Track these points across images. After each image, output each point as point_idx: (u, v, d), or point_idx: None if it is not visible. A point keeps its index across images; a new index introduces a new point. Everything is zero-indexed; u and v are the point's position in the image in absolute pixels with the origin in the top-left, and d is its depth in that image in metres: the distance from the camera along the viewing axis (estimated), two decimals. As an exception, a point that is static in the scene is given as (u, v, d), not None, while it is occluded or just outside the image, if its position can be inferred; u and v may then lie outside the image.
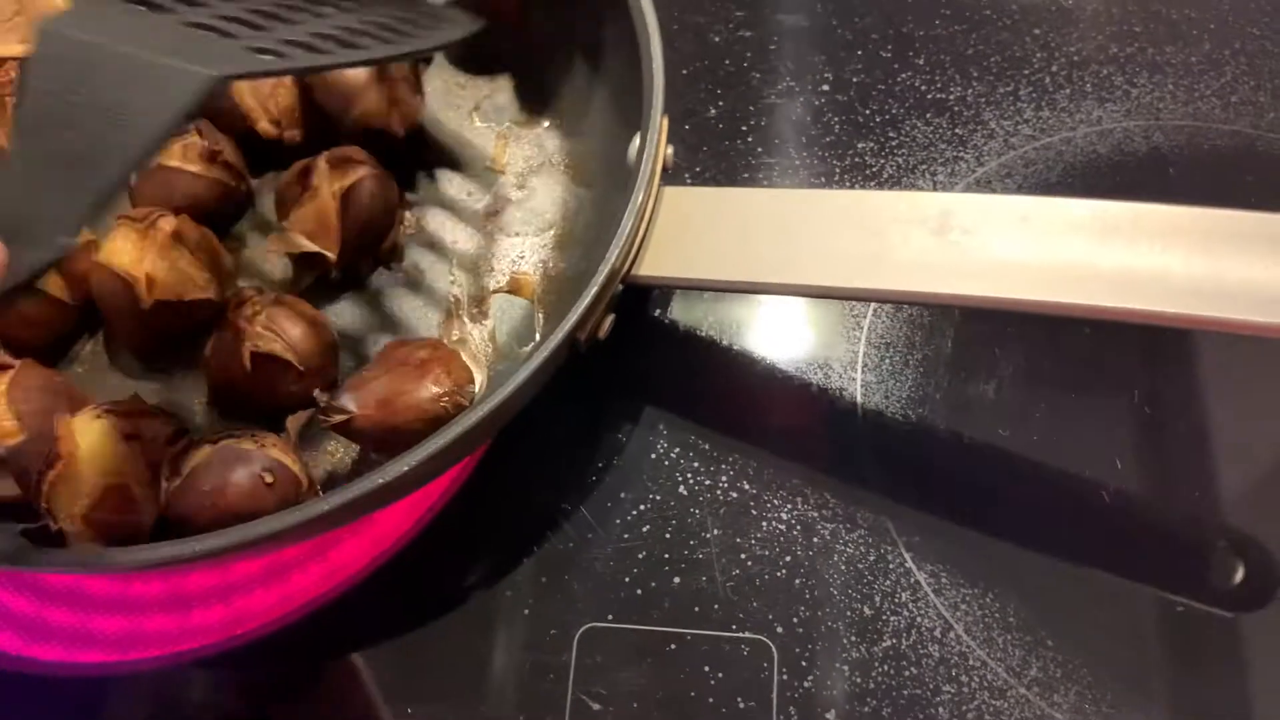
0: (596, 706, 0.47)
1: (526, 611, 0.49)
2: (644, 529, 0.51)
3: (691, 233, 0.46)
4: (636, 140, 0.47)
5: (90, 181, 0.31)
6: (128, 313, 0.49)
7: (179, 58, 0.32)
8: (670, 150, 0.48)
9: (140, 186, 0.52)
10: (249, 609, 0.50)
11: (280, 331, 0.48)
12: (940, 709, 0.46)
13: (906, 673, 0.47)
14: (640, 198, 0.45)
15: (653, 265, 0.46)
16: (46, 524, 0.44)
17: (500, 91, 0.59)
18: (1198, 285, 0.39)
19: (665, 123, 0.47)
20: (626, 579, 0.50)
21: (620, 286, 0.46)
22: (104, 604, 0.50)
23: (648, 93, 0.47)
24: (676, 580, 0.49)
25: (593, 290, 0.44)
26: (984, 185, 0.59)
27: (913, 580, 0.49)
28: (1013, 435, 0.52)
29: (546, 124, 0.58)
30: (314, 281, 0.53)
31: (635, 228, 0.45)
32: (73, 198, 0.31)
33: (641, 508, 0.51)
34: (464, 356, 0.49)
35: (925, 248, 0.42)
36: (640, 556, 0.50)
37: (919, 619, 0.48)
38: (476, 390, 0.49)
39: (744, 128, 0.62)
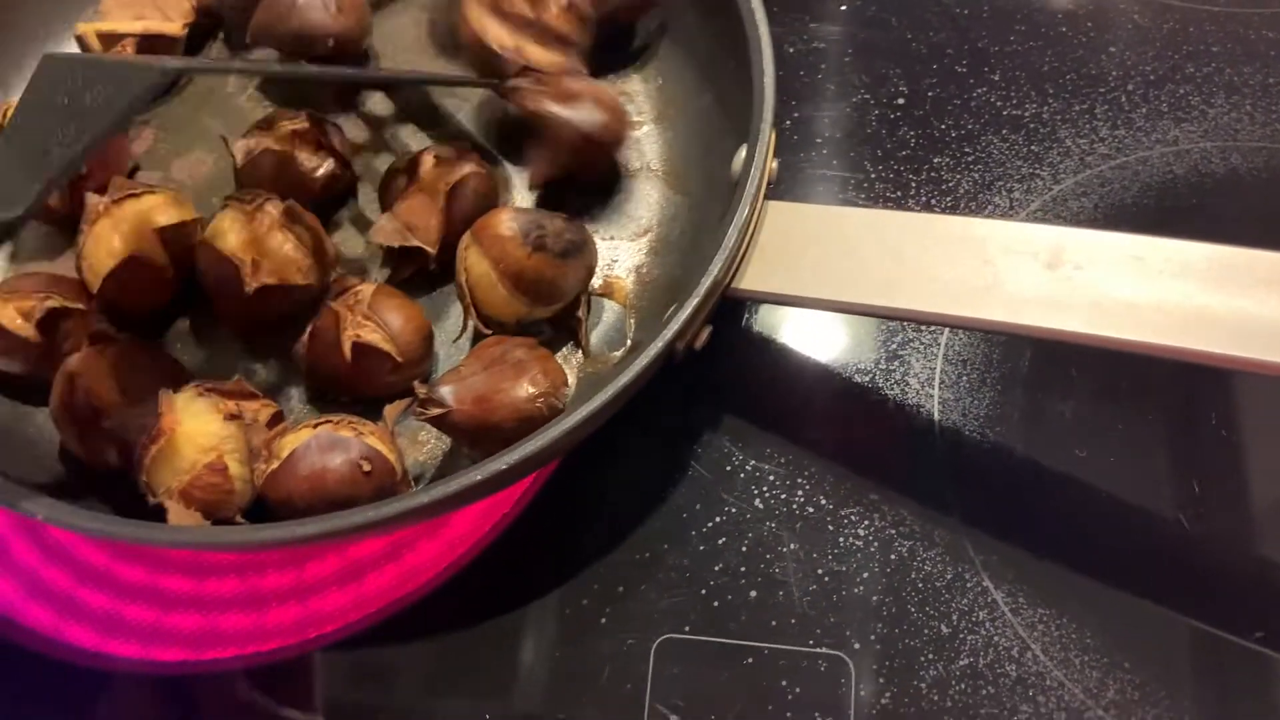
0: (674, 718, 0.47)
1: (604, 620, 0.49)
2: (720, 541, 0.51)
3: (794, 249, 0.46)
4: (742, 151, 0.47)
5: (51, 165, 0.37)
6: (231, 294, 0.49)
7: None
8: (775, 164, 0.47)
9: (248, 169, 0.52)
10: (324, 610, 0.50)
11: (381, 322, 0.48)
12: (1018, 729, 0.46)
13: (984, 692, 0.47)
14: (746, 211, 0.45)
15: (754, 279, 0.46)
16: (145, 497, 0.44)
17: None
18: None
19: (773, 136, 0.46)
20: (703, 591, 0.49)
21: (719, 298, 0.46)
22: (180, 601, 0.50)
23: (758, 105, 0.46)
24: (753, 594, 0.49)
25: (694, 301, 0.44)
26: (1060, 204, 0.58)
27: (990, 599, 0.49)
28: (1089, 455, 0.52)
29: (647, 127, 0.57)
30: (412, 273, 0.53)
31: (739, 241, 0.45)
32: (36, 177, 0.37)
33: (718, 519, 0.51)
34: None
35: (1037, 282, 0.42)
36: (716, 569, 0.50)
37: (996, 638, 0.48)
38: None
39: (818, 139, 0.61)
